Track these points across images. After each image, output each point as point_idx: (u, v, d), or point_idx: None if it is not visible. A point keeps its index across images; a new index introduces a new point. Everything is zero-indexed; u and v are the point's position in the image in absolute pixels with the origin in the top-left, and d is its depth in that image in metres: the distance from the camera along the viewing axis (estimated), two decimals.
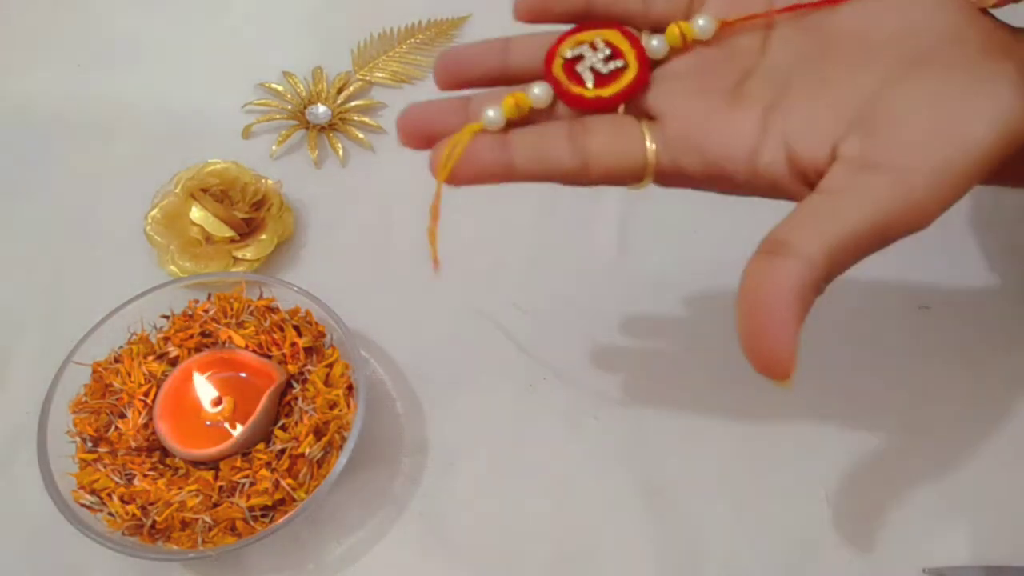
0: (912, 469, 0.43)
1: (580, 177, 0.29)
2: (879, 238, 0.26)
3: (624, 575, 0.40)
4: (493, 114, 0.29)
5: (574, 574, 0.41)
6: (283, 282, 0.45)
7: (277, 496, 0.39)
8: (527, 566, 0.41)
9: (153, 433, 0.42)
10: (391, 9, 0.62)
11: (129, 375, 0.43)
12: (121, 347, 0.44)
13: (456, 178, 0.28)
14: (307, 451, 0.40)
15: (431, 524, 0.42)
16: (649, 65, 0.30)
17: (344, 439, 0.40)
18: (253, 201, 0.51)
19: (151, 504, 0.39)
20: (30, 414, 0.44)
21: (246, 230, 0.50)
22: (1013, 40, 0.28)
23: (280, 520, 0.38)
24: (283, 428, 0.41)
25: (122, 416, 0.42)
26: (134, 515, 0.39)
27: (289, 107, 0.57)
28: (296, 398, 0.42)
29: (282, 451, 0.40)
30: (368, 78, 0.59)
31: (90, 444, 0.41)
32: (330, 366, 0.43)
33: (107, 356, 0.44)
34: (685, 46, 0.30)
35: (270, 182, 0.52)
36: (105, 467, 0.40)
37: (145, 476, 0.40)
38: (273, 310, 0.45)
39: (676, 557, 0.41)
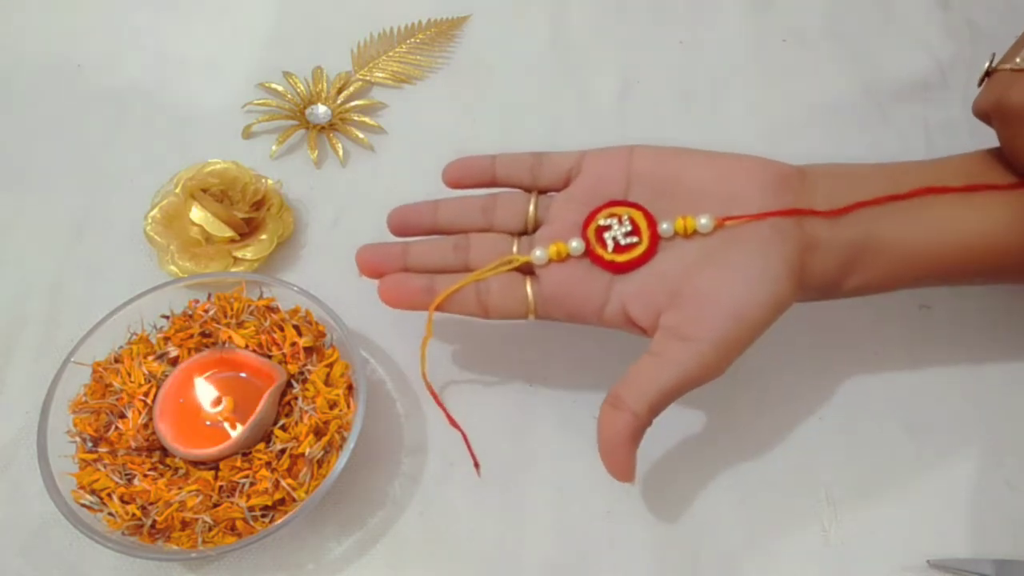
0: (913, 467, 0.43)
1: (483, 316, 0.40)
2: (685, 389, 0.37)
3: (624, 574, 0.40)
4: (540, 254, 0.39)
5: (574, 574, 0.41)
6: (283, 282, 0.45)
7: (277, 496, 0.39)
8: (527, 566, 0.41)
9: (153, 433, 0.42)
10: (391, 9, 0.62)
11: (129, 375, 0.43)
12: (121, 347, 0.44)
13: (396, 304, 0.41)
14: (307, 451, 0.40)
15: (431, 524, 0.42)
16: (657, 244, 0.38)
17: (344, 439, 0.40)
18: (253, 201, 0.51)
19: (151, 504, 0.39)
20: (30, 414, 0.44)
21: (246, 230, 0.50)
22: (788, 231, 0.37)
23: (280, 520, 0.38)
24: (283, 428, 0.41)
25: (122, 416, 0.42)
26: (134, 515, 0.39)
27: (289, 107, 0.57)
28: (296, 398, 0.42)
29: (282, 451, 0.40)
30: (368, 78, 0.59)
31: (90, 444, 0.41)
32: (330, 366, 0.43)
33: (107, 356, 0.44)
34: (687, 235, 0.38)
35: (270, 182, 0.52)
36: (105, 467, 0.40)
37: (145, 476, 0.40)
38: (273, 310, 0.45)
39: (676, 557, 0.41)
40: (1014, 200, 0.38)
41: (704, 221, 0.38)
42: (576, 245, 0.39)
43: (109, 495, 0.39)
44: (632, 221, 0.38)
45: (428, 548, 0.41)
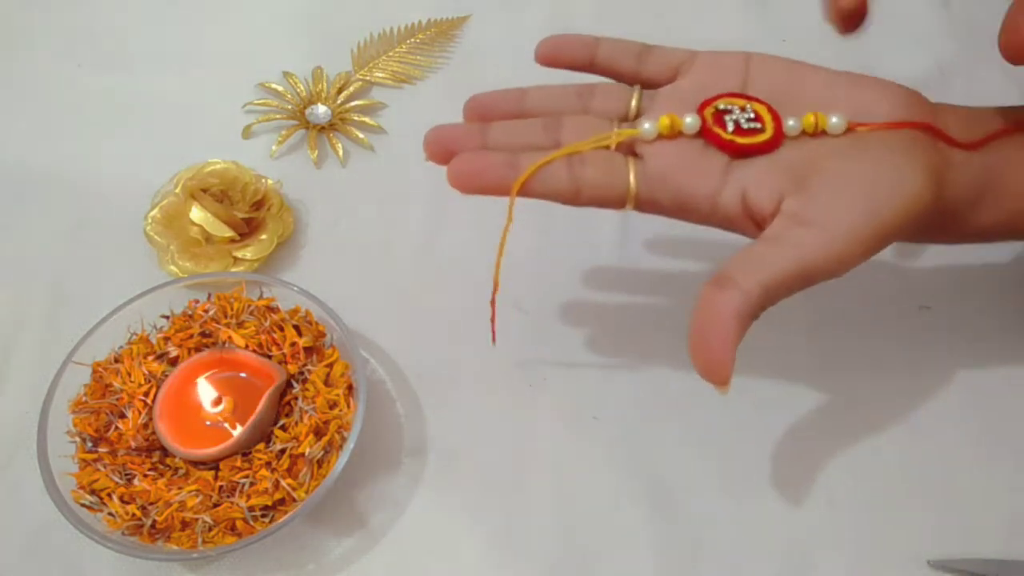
0: (912, 468, 0.43)
1: (573, 199, 0.35)
2: (803, 280, 0.32)
3: (624, 574, 0.40)
4: (649, 126, 0.34)
5: (574, 574, 0.41)
6: (283, 282, 0.45)
7: (277, 496, 0.39)
8: (527, 566, 0.41)
9: (153, 433, 0.42)
10: (391, 9, 0.62)
11: (129, 375, 0.43)
12: (121, 347, 0.44)
13: (471, 183, 0.34)
14: (307, 451, 0.40)
15: (431, 523, 0.42)
16: (782, 139, 0.35)
17: (344, 439, 0.40)
18: (253, 201, 0.51)
19: (151, 504, 0.39)
20: (30, 414, 0.44)
21: (246, 230, 0.50)
22: (924, 140, 0.35)
23: (280, 520, 0.38)
24: (283, 428, 0.41)
25: (122, 416, 0.42)
26: (134, 515, 0.39)
27: (289, 107, 0.57)
28: (296, 398, 0.42)
29: (282, 451, 0.40)
30: (368, 78, 0.59)
31: (90, 444, 0.41)
32: (330, 366, 0.43)
33: (107, 356, 0.44)
34: (814, 134, 0.35)
35: (270, 182, 0.52)
36: (105, 467, 0.40)
37: (145, 476, 0.40)
38: (273, 310, 0.45)
39: (676, 557, 0.41)
40: None
41: (836, 120, 0.34)
42: (691, 121, 0.34)
43: (109, 495, 0.39)
44: (756, 111, 0.35)
45: (428, 548, 0.41)
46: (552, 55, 0.39)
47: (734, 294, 0.31)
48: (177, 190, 0.51)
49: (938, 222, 0.35)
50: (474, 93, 0.38)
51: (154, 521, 0.39)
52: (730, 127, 0.34)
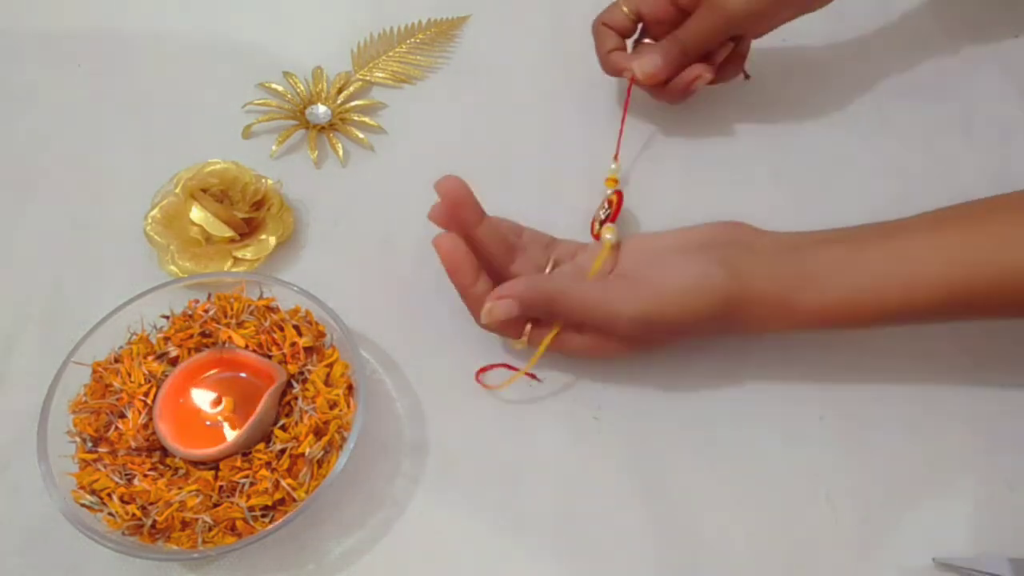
0: (912, 467, 0.43)
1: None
2: (554, 292, 0.42)
3: (624, 574, 0.40)
4: (610, 236, 0.46)
5: (573, 574, 0.41)
6: (283, 282, 0.45)
7: (277, 496, 0.39)
8: (527, 566, 0.41)
9: (153, 433, 0.42)
10: (391, 9, 0.62)
11: (129, 375, 0.43)
12: (121, 347, 0.44)
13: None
14: (307, 451, 0.40)
15: (431, 524, 0.42)
16: (622, 198, 0.50)
17: (344, 439, 0.40)
18: (253, 201, 0.51)
19: (151, 504, 0.39)
20: (30, 414, 0.44)
21: (246, 230, 0.50)
22: (724, 241, 0.44)
23: (280, 520, 0.38)
24: (283, 428, 0.41)
25: (122, 416, 0.42)
26: (134, 515, 0.39)
27: (289, 107, 0.57)
28: (296, 398, 0.42)
29: (282, 451, 0.40)
30: (368, 78, 0.59)
31: (90, 444, 0.41)
32: (330, 366, 0.43)
33: (107, 356, 0.44)
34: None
35: (270, 182, 0.52)
36: (105, 467, 0.40)
37: (145, 476, 0.40)
38: (273, 310, 0.45)
39: (676, 557, 0.41)
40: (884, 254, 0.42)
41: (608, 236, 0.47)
42: (610, 237, 0.46)
43: (109, 495, 0.39)
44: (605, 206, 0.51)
45: (428, 548, 0.41)
46: (489, 233, 0.45)
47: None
48: (177, 190, 0.51)
49: (763, 309, 0.41)
50: (449, 183, 0.43)
51: (154, 521, 0.39)
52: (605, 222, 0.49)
